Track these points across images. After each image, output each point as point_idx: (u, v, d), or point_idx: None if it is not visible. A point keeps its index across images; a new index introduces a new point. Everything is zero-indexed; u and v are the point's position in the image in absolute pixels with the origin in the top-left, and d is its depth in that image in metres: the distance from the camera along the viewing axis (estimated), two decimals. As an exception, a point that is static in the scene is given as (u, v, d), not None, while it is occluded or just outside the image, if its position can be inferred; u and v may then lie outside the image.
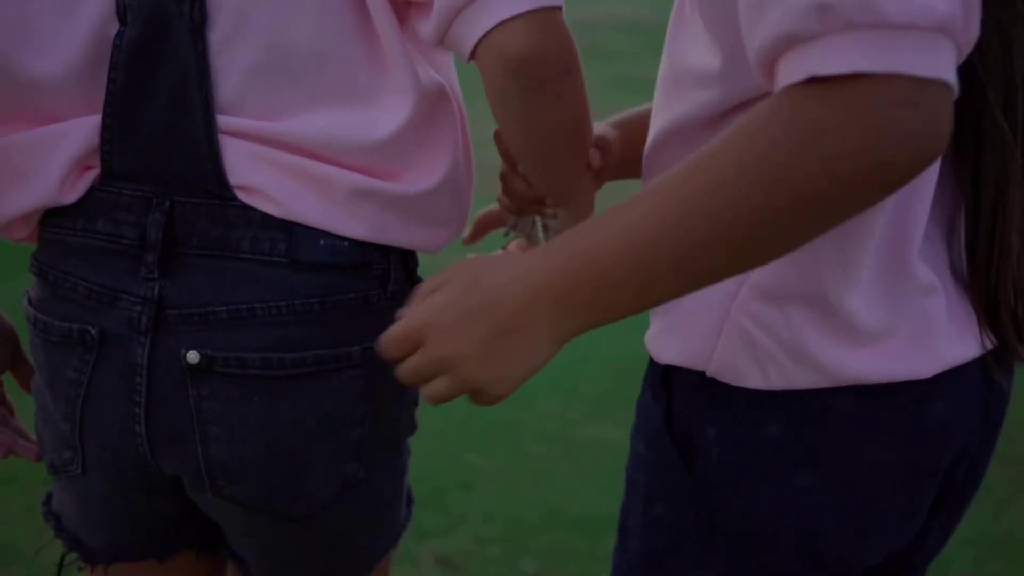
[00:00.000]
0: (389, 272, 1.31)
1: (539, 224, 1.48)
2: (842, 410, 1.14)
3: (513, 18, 1.15)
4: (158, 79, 1.24)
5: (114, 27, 1.25)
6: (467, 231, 1.53)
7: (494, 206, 1.51)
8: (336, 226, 1.26)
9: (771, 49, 0.94)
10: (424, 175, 1.29)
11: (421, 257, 1.39)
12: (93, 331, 1.29)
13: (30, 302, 1.37)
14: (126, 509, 1.40)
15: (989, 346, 1.20)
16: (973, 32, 0.95)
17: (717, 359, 1.15)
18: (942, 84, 0.92)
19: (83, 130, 1.27)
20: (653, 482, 1.22)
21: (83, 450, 1.34)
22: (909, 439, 1.17)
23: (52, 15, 1.25)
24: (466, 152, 1.35)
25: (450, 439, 3.36)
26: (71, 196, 1.30)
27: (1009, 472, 3.17)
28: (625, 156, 1.46)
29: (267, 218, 1.25)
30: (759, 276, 1.12)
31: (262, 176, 1.25)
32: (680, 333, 1.17)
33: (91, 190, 1.29)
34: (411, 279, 1.35)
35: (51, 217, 1.32)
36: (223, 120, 1.24)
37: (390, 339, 1.00)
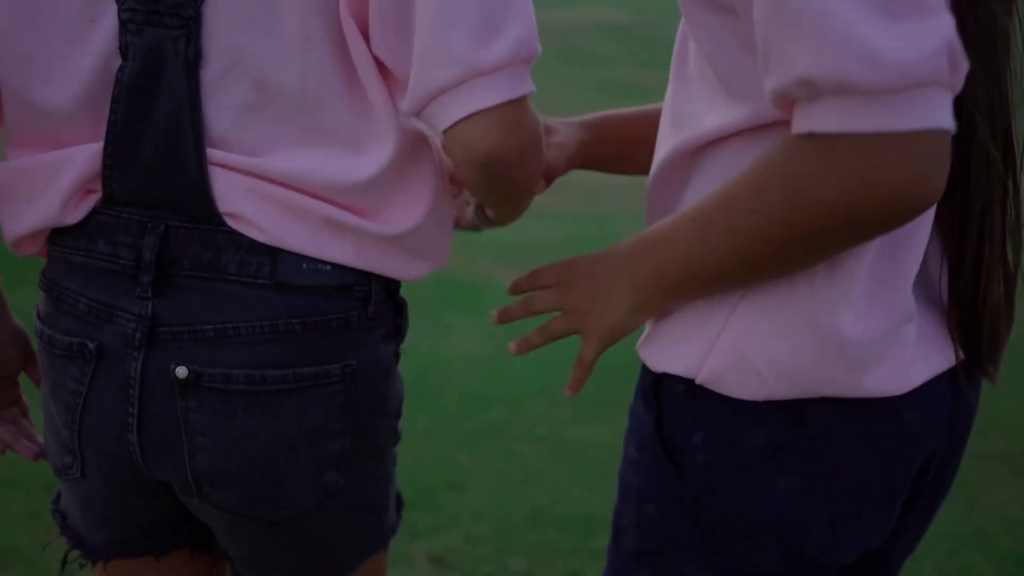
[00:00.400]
0: (370, 294, 1.38)
1: (472, 203, 1.55)
2: (820, 419, 1.22)
3: (483, 111, 1.24)
4: (155, 112, 1.33)
5: (117, 62, 1.33)
6: None
7: None
8: (318, 253, 1.35)
9: (779, 101, 1.09)
10: (404, 215, 1.36)
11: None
12: (91, 345, 1.38)
13: (39, 316, 1.46)
14: (123, 510, 1.49)
15: (956, 361, 1.28)
16: (963, 71, 1.06)
17: (707, 369, 1.22)
18: (930, 132, 1.04)
19: (86, 156, 1.36)
20: (645, 484, 1.28)
21: (82, 455, 1.43)
22: (883, 446, 1.24)
23: (62, 48, 1.34)
24: (446, 189, 1.42)
25: (441, 440, 3.43)
26: (73, 217, 1.38)
27: (982, 467, 3.24)
28: (590, 155, 1.57)
29: (254, 243, 1.34)
30: (754, 295, 1.20)
31: (249, 205, 1.33)
32: (675, 344, 1.25)
33: (93, 212, 1.38)
34: (393, 299, 1.42)
35: (57, 236, 1.41)
36: (214, 153, 1.33)
37: (537, 273, 1.33)
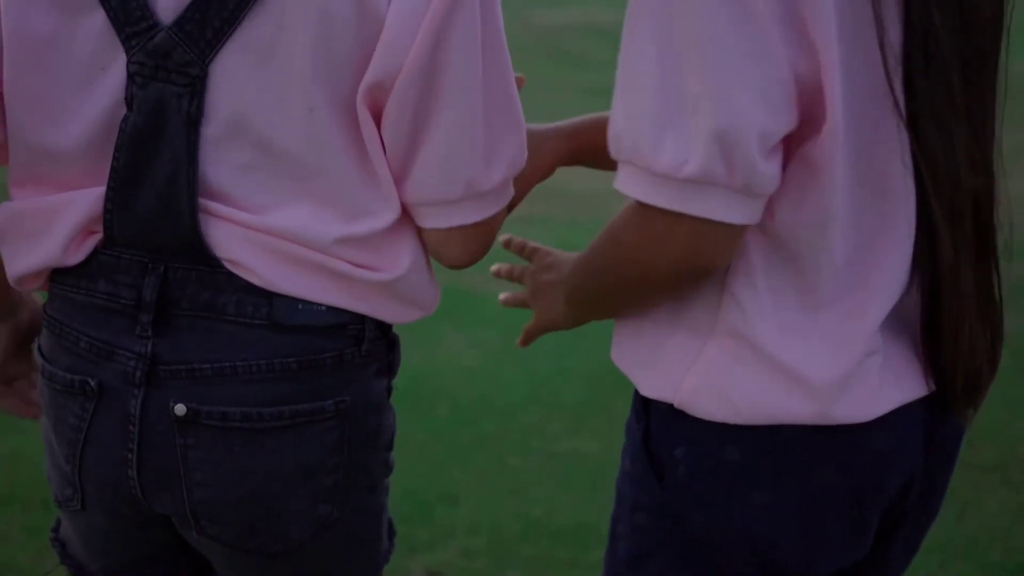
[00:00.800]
0: (364, 332, 1.41)
1: None
2: (792, 439, 1.28)
3: (467, 226, 1.37)
4: (154, 164, 1.36)
5: (122, 111, 1.36)
6: None
7: None
8: (314, 297, 1.38)
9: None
10: (394, 262, 1.39)
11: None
12: (92, 383, 1.41)
13: (40, 351, 1.48)
14: (123, 540, 1.52)
15: (928, 391, 1.32)
16: (750, 178, 1.14)
17: (682, 394, 1.29)
18: (706, 221, 1.17)
19: (88, 200, 1.39)
20: (635, 494, 1.36)
21: (82, 489, 1.46)
22: (853, 467, 1.30)
23: (71, 95, 1.37)
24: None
25: (434, 453, 3.45)
26: (75, 258, 1.41)
27: (972, 477, 3.27)
28: (574, 161, 1.61)
29: (251, 285, 1.38)
30: (728, 326, 1.26)
31: (246, 254, 1.37)
32: (657, 369, 1.32)
33: (94, 252, 1.41)
34: (386, 336, 1.45)
35: (58, 275, 1.44)
36: (212, 206, 1.36)
37: (520, 272, 1.61)
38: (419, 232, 1.41)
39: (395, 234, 1.39)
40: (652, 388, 1.32)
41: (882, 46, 1.19)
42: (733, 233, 1.20)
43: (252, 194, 1.37)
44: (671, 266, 1.22)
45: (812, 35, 1.16)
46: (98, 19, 1.34)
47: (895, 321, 1.30)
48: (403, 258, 1.39)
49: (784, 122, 1.17)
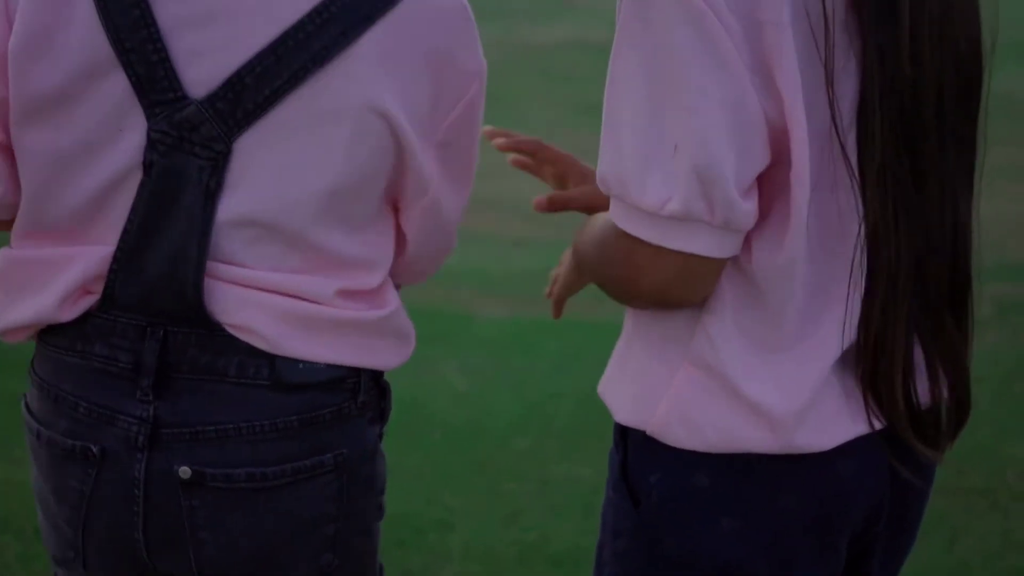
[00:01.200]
0: (360, 384, 1.45)
1: None
2: (758, 466, 1.34)
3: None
4: (167, 229, 1.37)
5: (135, 173, 1.37)
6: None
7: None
8: (316, 355, 1.41)
9: None
10: (384, 303, 1.45)
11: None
12: (95, 449, 1.42)
13: (30, 411, 1.48)
14: None
15: (878, 427, 1.36)
16: (728, 214, 1.23)
17: (655, 421, 1.35)
18: (687, 255, 1.25)
19: (93, 258, 1.40)
20: (617, 520, 1.42)
21: (85, 551, 1.47)
22: (817, 493, 1.36)
23: (85, 154, 1.38)
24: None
25: (428, 479, 3.46)
26: (68, 315, 1.41)
27: (961, 502, 3.29)
28: None
29: (252, 347, 1.40)
30: (698, 358, 1.33)
31: (251, 317, 1.39)
32: (630, 397, 1.39)
33: (88, 315, 1.41)
34: (378, 384, 1.49)
35: (48, 335, 1.44)
36: (221, 269, 1.38)
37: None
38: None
39: (385, 281, 1.45)
40: (627, 416, 1.39)
41: (832, 108, 1.26)
42: (714, 267, 1.28)
43: (260, 259, 1.39)
44: (653, 295, 1.32)
45: (778, 84, 1.24)
46: (119, 82, 1.35)
47: (847, 358, 1.36)
48: (391, 298, 1.45)
49: (758, 161, 1.26)
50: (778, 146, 1.27)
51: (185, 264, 1.37)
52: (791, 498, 1.35)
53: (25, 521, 3.07)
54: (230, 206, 1.36)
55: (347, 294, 1.41)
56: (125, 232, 1.38)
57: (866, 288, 1.31)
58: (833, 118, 1.26)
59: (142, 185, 1.37)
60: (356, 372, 1.44)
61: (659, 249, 1.26)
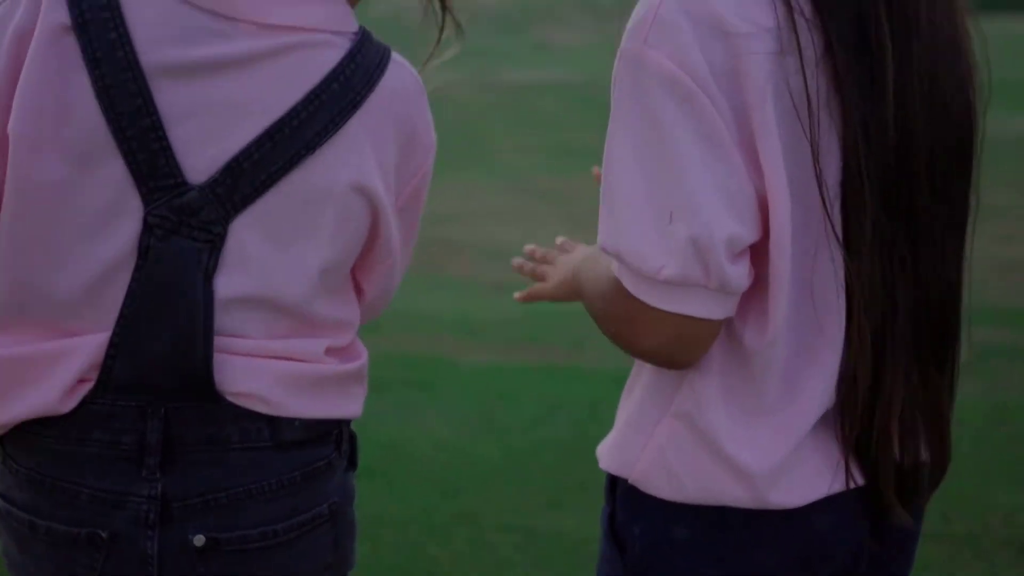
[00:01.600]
0: (342, 434, 1.50)
1: None
2: (735, 519, 1.37)
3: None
4: (167, 312, 1.38)
5: (130, 259, 1.38)
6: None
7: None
8: (310, 411, 1.45)
9: None
10: (359, 354, 1.52)
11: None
12: (104, 534, 1.41)
13: (12, 503, 1.46)
14: None
15: (856, 484, 1.38)
16: (722, 278, 1.27)
17: (638, 471, 1.39)
18: (684, 317, 1.30)
19: (91, 347, 1.40)
20: (608, 569, 1.46)
21: None
22: (793, 546, 1.39)
23: (80, 241, 1.38)
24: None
25: (413, 531, 3.45)
26: (68, 406, 1.41)
27: (946, 550, 3.30)
28: None
29: (251, 412, 1.42)
30: (681, 410, 1.37)
31: (255, 385, 1.41)
32: (618, 447, 1.43)
33: (83, 403, 1.41)
34: (351, 437, 1.54)
35: (35, 425, 1.43)
36: (224, 342, 1.41)
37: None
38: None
39: (355, 334, 1.53)
40: (610, 463, 1.43)
41: (819, 180, 1.30)
42: (711, 328, 1.32)
43: (255, 330, 1.42)
44: (652, 354, 1.36)
45: (761, 158, 1.29)
46: (116, 170, 1.36)
47: (825, 418, 1.38)
48: (361, 348, 1.53)
49: (749, 229, 1.30)
50: (763, 217, 1.31)
51: (191, 343, 1.39)
52: (768, 551, 1.38)
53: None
54: (228, 285, 1.39)
55: (331, 351, 1.48)
56: (122, 317, 1.39)
57: (856, 351, 1.33)
58: (820, 191, 1.30)
59: (137, 269, 1.38)
60: (337, 423, 1.49)
61: (658, 311, 1.31)
